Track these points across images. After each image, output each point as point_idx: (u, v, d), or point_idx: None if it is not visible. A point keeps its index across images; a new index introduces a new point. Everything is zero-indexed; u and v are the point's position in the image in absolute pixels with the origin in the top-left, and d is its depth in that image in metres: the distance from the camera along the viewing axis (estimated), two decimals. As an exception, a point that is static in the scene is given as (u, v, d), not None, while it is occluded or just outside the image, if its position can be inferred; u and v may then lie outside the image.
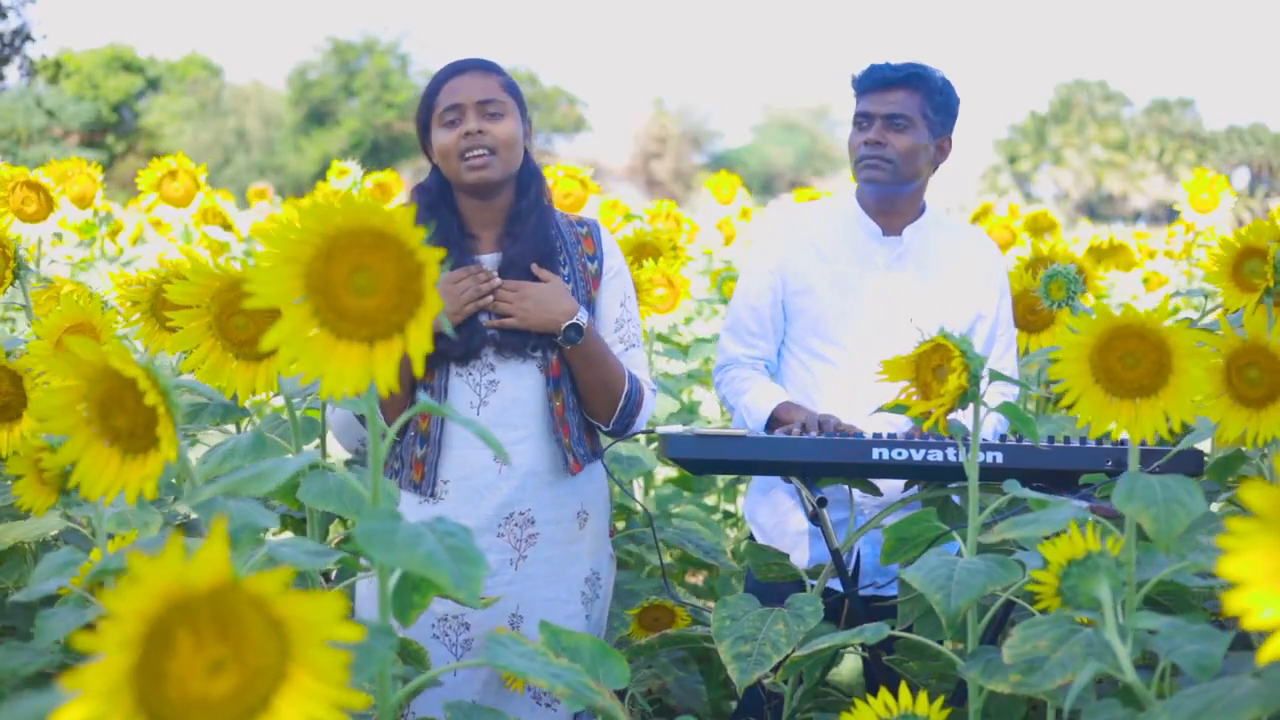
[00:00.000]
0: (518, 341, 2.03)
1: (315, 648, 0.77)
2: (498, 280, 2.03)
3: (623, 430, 2.15)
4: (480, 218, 2.10)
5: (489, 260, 2.08)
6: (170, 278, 2.01)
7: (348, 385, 0.91)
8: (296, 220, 0.91)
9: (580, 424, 2.13)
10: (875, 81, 2.26)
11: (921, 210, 2.36)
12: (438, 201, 2.09)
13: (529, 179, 2.12)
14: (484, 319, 2.04)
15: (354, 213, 0.90)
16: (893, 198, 2.31)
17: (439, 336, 1.97)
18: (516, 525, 2.06)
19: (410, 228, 0.91)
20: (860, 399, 2.22)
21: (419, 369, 0.93)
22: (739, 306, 2.38)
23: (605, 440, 2.24)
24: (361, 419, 2.00)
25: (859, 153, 2.27)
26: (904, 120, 2.24)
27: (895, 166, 2.25)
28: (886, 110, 2.25)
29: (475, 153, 2.02)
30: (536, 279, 2.05)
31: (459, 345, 2.02)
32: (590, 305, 2.13)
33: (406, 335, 0.92)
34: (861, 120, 2.28)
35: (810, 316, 2.30)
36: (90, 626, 1.27)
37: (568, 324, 2.01)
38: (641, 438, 2.68)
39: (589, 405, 2.11)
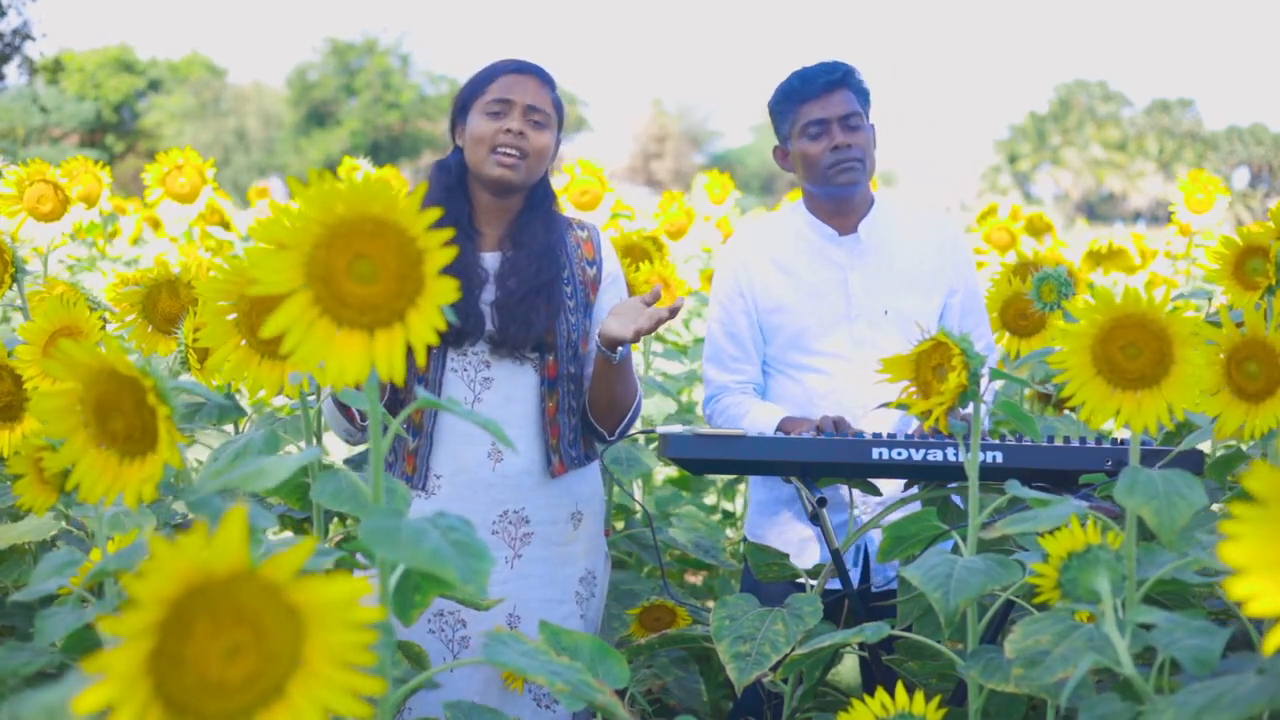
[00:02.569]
0: (515, 342, 2.04)
1: (330, 632, 0.77)
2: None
3: (620, 437, 2.17)
4: (488, 215, 2.12)
5: (489, 259, 2.09)
6: (165, 279, 2.01)
7: (348, 373, 0.91)
8: (299, 206, 0.90)
9: (573, 426, 2.14)
10: (821, 87, 2.25)
11: (871, 203, 2.36)
12: (456, 185, 2.11)
13: (542, 194, 2.14)
14: (484, 306, 2.04)
15: (355, 200, 0.90)
16: (853, 196, 2.31)
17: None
18: (511, 524, 2.08)
19: (412, 215, 0.90)
20: (856, 402, 2.22)
21: (421, 358, 0.92)
22: (716, 334, 2.35)
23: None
24: (343, 408, 2.00)
25: (826, 159, 2.25)
26: (856, 118, 2.26)
27: (864, 164, 2.27)
28: (840, 112, 2.25)
29: (508, 150, 2.04)
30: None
31: (452, 327, 2.01)
32: (588, 310, 2.14)
33: (408, 323, 0.92)
34: (814, 128, 2.25)
35: (788, 332, 2.29)
36: (89, 626, 1.27)
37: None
38: (641, 438, 2.68)
39: (602, 414, 2.12)
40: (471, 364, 2.06)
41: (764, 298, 2.31)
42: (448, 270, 2.03)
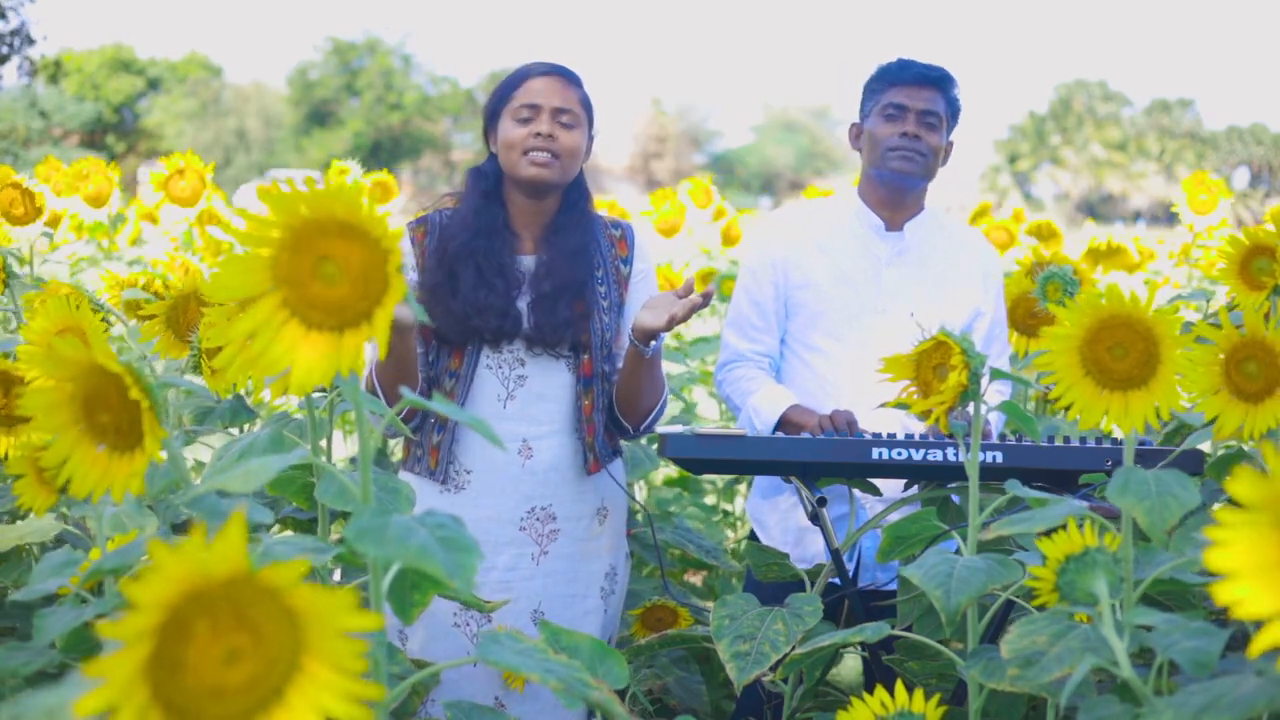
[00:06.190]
0: (550, 341, 2.06)
1: (328, 638, 0.77)
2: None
3: (644, 433, 2.18)
4: (524, 218, 2.14)
5: (526, 261, 2.12)
6: (192, 290, 1.99)
7: (315, 375, 0.91)
8: (264, 210, 0.90)
9: (605, 424, 2.16)
10: (913, 77, 2.28)
11: (921, 208, 2.38)
12: (492, 191, 2.13)
13: (578, 194, 2.16)
14: (521, 306, 2.06)
15: (318, 202, 0.90)
16: (908, 191, 2.33)
17: (473, 316, 2.02)
18: (538, 520, 2.10)
19: (373, 215, 0.91)
20: (862, 394, 2.23)
21: (384, 353, 0.93)
22: (741, 301, 2.38)
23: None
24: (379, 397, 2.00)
25: (890, 142, 2.28)
26: (935, 119, 2.29)
27: (926, 161, 2.30)
28: (922, 106, 2.27)
29: (540, 153, 2.06)
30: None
31: (491, 326, 2.03)
32: (622, 309, 2.16)
33: (374, 323, 0.92)
34: (892, 111, 2.29)
35: (811, 311, 2.31)
36: (88, 626, 1.27)
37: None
38: (642, 438, 2.69)
39: (629, 408, 2.13)
40: (506, 361, 2.08)
41: (795, 272, 2.33)
42: (486, 273, 2.05)
